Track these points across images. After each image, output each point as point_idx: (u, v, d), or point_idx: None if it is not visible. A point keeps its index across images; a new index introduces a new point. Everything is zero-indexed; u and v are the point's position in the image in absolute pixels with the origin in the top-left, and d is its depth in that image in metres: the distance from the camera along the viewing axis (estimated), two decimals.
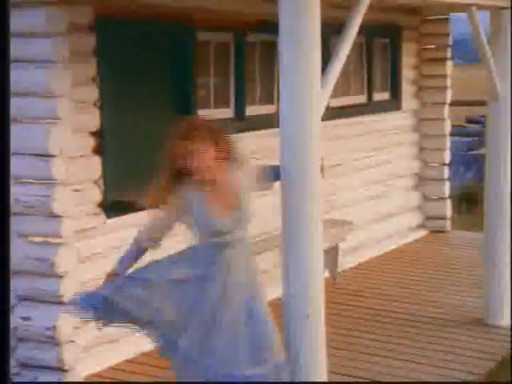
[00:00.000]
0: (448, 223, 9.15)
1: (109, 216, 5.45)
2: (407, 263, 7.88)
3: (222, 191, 3.91)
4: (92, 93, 5.30)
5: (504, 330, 5.98)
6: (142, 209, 5.63)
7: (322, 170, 4.02)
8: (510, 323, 6.04)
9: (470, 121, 18.88)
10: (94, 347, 5.34)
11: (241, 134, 6.39)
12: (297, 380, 4.02)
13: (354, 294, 6.82)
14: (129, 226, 5.58)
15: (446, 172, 9.14)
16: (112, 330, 5.42)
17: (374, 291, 6.90)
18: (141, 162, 5.70)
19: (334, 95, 7.23)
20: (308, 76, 3.88)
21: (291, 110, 3.93)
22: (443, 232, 9.08)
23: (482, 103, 16.88)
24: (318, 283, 4.01)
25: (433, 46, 8.94)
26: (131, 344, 5.58)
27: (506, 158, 6.06)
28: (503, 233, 6.10)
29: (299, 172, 3.97)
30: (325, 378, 4.15)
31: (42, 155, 4.82)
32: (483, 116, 16.14)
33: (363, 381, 5.12)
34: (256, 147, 6.63)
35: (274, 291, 6.59)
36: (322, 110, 4.03)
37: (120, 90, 5.52)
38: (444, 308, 6.51)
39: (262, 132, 6.71)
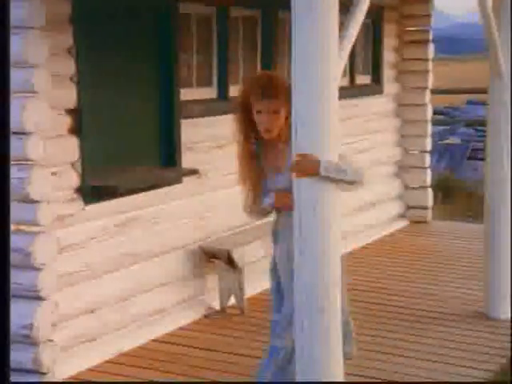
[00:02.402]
0: (429, 213, 8.83)
1: (87, 202, 4.95)
2: (394, 255, 7.52)
3: (280, 156, 3.76)
4: (68, 66, 4.79)
5: (509, 323, 5.64)
6: (123, 194, 5.20)
7: None
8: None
9: (434, 112, 18.69)
10: (72, 347, 4.85)
11: (224, 116, 5.97)
12: (310, 381, 3.58)
13: (348, 287, 6.41)
14: (110, 214, 5.13)
15: (428, 160, 8.82)
16: (89, 327, 4.98)
17: (369, 284, 6.51)
18: (122, 143, 5.24)
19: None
20: (325, 40, 3.41)
21: (305, 79, 3.45)
22: (424, 222, 8.75)
23: (456, 92, 16.78)
24: (335, 272, 3.56)
25: (414, 28, 8.61)
26: (110, 343, 5.12)
27: (507, 141, 5.70)
28: (504, 224, 5.75)
29: (313, 147, 3.48)
30: (341, 379, 3.72)
31: (16, 133, 4.26)
32: (448, 107, 16.09)
33: (368, 380, 4.73)
34: None
35: (262, 284, 6.23)
36: (339, 78, 3.59)
37: (99, 64, 5.03)
38: (443, 301, 6.15)
39: None
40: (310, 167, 3.41)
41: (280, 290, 3.91)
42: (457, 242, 8.00)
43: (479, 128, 14.51)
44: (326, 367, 3.60)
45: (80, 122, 4.86)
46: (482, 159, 12.81)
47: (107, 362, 5.04)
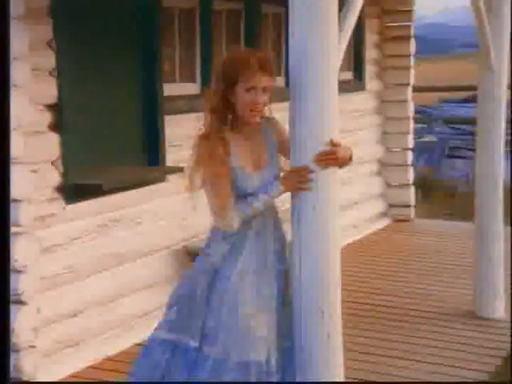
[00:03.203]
0: (412, 211, 8.73)
1: (69, 201, 4.75)
2: (379, 254, 7.40)
3: (262, 149, 3.33)
4: (48, 59, 4.59)
5: (500, 323, 5.55)
6: (106, 193, 5.01)
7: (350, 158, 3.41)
8: (504, 316, 5.63)
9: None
10: (54, 352, 4.65)
11: None
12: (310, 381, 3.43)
13: None
14: (92, 213, 4.94)
15: (410, 157, 8.72)
16: (73, 332, 4.79)
17: (355, 284, 6.37)
18: (104, 140, 5.05)
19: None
20: (325, 32, 3.26)
21: (303, 71, 3.30)
22: (407, 220, 8.65)
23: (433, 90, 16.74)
24: (335, 272, 3.41)
25: (395, 24, 8.50)
26: (94, 348, 4.94)
27: (499, 136, 5.59)
28: (495, 221, 5.64)
29: (313, 145, 3.33)
30: (342, 380, 3.56)
31: None
32: (423, 106, 16.03)
33: (357, 381, 4.58)
34: None
35: None
36: (338, 69, 3.44)
37: (79, 58, 4.84)
38: (431, 300, 6.04)
39: None
40: (345, 156, 3.27)
41: None
42: (441, 240, 7.91)
43: (455, 126, 14.50)
44: (325, 369, 3.45)
45: (60, 118, 4.67)
46: (461, 157, 12.83)
47: (91, 367, 4.87)
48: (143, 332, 5.22)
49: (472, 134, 14.22)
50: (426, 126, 13.50)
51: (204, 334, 3.29)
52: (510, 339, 5.20)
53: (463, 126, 14.49)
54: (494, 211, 5.64)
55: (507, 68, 5.58)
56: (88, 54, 4.90)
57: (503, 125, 5.60)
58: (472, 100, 19.44)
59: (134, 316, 5.25)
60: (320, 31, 3.24)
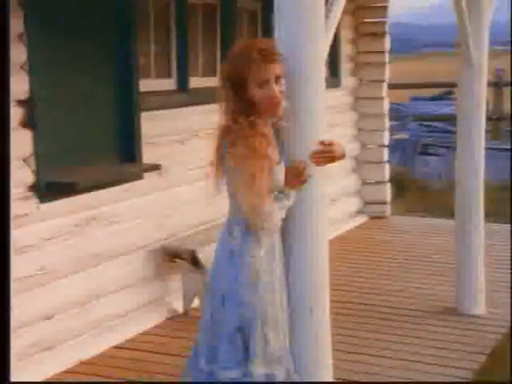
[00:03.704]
0: (388, 208, 8.67)
1: (42, 200, 4.60)
2: (357, 252, 7.33)
3: (277, 143, 3.13)
4: (19, 53, 4.43)
5: (482, 319, 5.50)
6: (81, 191, 4.86)
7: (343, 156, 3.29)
8: (485, 312, 5.58)
9: None
10: (28, 356, 4.50)
11: (185, 109, 5.71)
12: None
13: None
14: (67, 212, 4.78)
15: (386, 154, 8.66)
16: (47, 334, 4.64)
17: (333, 282, 6.23)
18: (79, 137, 4.91)
19: None
20: (312, 21, 3.15)
21: (290, 63, 3.17)
22: (383, 218, 8.59)
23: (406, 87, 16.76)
24: (324, 271, 3.32)
25: (370, 20, 8.43)
26: (69, 351, 4.79)
27: (479, 133, 5.53)
28: (475, 218, 5.58)
29: (305, 140, 3.21)
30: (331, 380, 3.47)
31: None
32: (394, 103, 16.02)
33: (340, 381, 4.49)
34: (200, 123, 5.91)
35: None
36: (324, 62, 3.34)
37: (52, 52, 4.68)
38: (412, 297, 5.97)
39: (207, 107, 5.98)
40: (341, 153, 3.16)
41: None
42: (418, 237, 7.87)
43: (426, 123, 14.51)
44: (314, 368, 3.36)
45: (32, 115, 4.51)
46: (433, 154, 12.83)
47: (66, 371, 4.71)
48: (121, 334, 5.12)
49: (444, 131, 14.30)
50: (397, 123, 13.48)
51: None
52: (494, 336, 5.16)
53: (434, 124, 14.52)
54: (474, 208, 5.57)
55: (487, 63, 5.53)
56: (61, 49, 4.75)
57: (483, 121, 5.54)
58: (440, 98, 19.59)
59: (110, 318, 5.10)
60: (307, 23, 3.13)
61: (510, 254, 6.86)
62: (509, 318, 5.48)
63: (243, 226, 3.06)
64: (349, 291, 6.12)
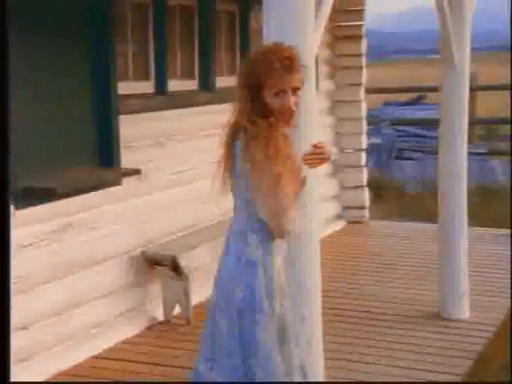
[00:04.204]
0: (366, 213, 8.61)
1: (18, 206, 4.44)
2: (337, 257, 7.24)
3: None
4: None
5: (465, 323, 5.45)
6: (58, 197, 4.72)
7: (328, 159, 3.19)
8: (468, 316, 5.53)
9: None
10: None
11: (164, 112, 5.60)
12: None
13: None
14: (43, 219, 4.64)
15: (363, 158, 8.61)
16: (22, 345, 4.49)
17: None
18: (55, 141, 4.76)
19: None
20: (301, 15, 3.07)
21: None
22: (362, 222, 8.53)
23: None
24: (315, 276, 3.23)
25: (346, 23, 8.38)
26: (46, 362, 4.65)
27: (462, 136, 5.48)
28: (459, 221, 5.53)
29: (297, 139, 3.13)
30: None
31: None
32: (369, 108, 16.03)
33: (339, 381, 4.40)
34: (180, 127, 5.81)
35: (208, 291, 5.82)
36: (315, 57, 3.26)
37: (27, 53, 4.54)
38: (393, 302, 5.90)
39: (186, 110, 5.88)
40: (329, 153, 3.06)
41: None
42: (397, 241, 7.82)
43: (400, 128, 14.50)
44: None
45: (7, 117, 4.35)
46: (408, 159, 12.83)
47: (44, 383, 4.56)
48: (100, 343, 4.99)
49: (417, 135, 14.32)
50: (371, 128, 13.45)
51: None
52: (478, 340, 5.11)
53: (408, 128, 14.52)
54: (457, 211, 5.52)
55: (469, 65, 5.49)
56: (37, 50, 4.61)
57: (466, 124, 5.50)
58: (413, 103, 19.63)
59: (89, 327, 4.96)
60: (296, 18, 3.06)
61: (492, 258, 6.86)
62: (493, 322, 5.45)
63: (261, 233, 2.92)
64: (331, 297, 6.02)
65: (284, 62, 2.83)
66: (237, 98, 2.93)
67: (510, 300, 5.88)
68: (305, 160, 3.02)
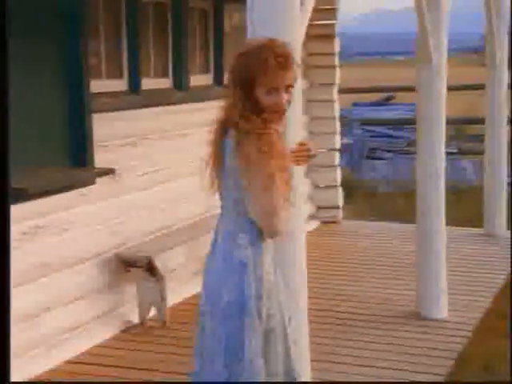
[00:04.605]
0: (340, 213, 8.56)
1: None
2: (313, 257, 7.08)
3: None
4: None
5: (445, 323, 5.41)
6: (30, 198, 4.59)
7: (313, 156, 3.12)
8: (447, 316, 5.50)
9: None
10: None
11: (137, 111, 5.49)
12: None
13: None
14: (14, 220, 4.44)
15: (337, 158, 8.56)
16: None
17: None
18: (27, 140, 4.63)
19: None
20: (287, 6, 3.00)
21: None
22: (335, 222, 8.48)
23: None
24: (302, 277, 3.16)
25: (319, 22, 8.31)
26: (17, 368, 4.48)
27: (440, 135, 5.44)
28: (437, 219, 5.49)
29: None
30: None
31: None
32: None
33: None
34: (154, 126, 5.71)
35: (184, 292, 5.75)
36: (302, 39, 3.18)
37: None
38: (371, 302, 5.85)
39: (160, 109, 5.78)
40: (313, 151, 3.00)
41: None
42: (372, 241, 7.77)
43: (370, 128, 14.53)
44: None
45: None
46: (380, 158, 12.84)
47: None
48: (74, 348, 4.86)
49: (387, 135, 14.35)
50: (343, 128, 13.45)
51: None
52: (459, 340, 5.08)
53: (377, 128, 14.55)
54: (435, 210, 5.49)
55: (446, 64, 5.46)
56: (9, 49, 4.46)
57: (444, 122, 5.47)
58: (382, 103, 19.71)
59: (62, 331, 4.83)
60: (283, 13, 2.99)
61: (467, 258, 6.85)
62: (472, 322, 5.43)
63: (251, 233, 2.83)
64: (308, 297, 5.96)
65: (278, 59, 2.74)
66: (227, 93, 2.83)
67: (488, 299, 5.88)
68: (292, 157, 2.95)
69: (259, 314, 2.83)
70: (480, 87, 12.31)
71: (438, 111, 5.41)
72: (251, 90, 2.78)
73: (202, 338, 2.92)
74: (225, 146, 2.81)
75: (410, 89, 16.50)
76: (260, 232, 2.82)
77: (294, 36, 3.00)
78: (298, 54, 3.07)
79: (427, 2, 5.19)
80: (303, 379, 3.14)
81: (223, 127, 2.84)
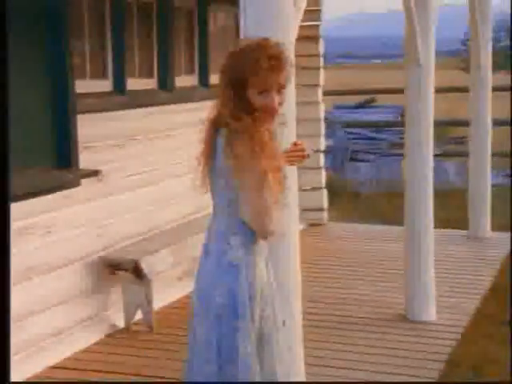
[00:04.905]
0: (325, 215, 8.51)
1: None
2: (300, 260, 7.11)
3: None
4: None
5: (433, 325, 5.37)
6: (12, 200, 4.49)
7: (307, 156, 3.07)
8: (435, 319, 5.46)
9: None
10: None
11: (122, 112, 5.40)
12: None
13: None
14: None
15: (322, 160, 8.52)
16: None
17: None
18: (12, 139, 4.50)
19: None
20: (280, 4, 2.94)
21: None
22: (321, 225, 8.43)
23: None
24: (296, 281, 3.10)
25: (303, 23, 8.24)
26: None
27: (428, 137, 5.40)
28: (425, 224, 5.45)
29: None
30: None
31: None
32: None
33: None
34: (139, 126, 5.63)
35: (170, 295, 5.67)
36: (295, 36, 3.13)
37: None
38: (359, 305, 5.79)
39: (145, 110, 5.70)
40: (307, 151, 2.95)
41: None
42: (358, 243, 7.73)
43: (352, 131, 14.50)
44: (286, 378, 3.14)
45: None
46: (362, 160, 12.81)
47: None
48: (58, 353, 4.76)
49: (369, 138, 14.33)
50: (326, 130, 13.42)
51: None
52: (448, 342, 5.04)
53: (360, 131, 14.52)
54: (424, 212, 5.45)
55: (434, 65, 5.43)
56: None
57: (432, 124, 5.43)
58: (363, 106, 19.72)
59: (47, 335, 4.73)
60: (277, 11, 2.93)
61: (453, 259, 6.82)
62: (460, 324, 5.39)
63: (244, 234, 2.76)
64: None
65: (271, 60, 2.70)
66: (218, 92, 2.78)
67: (475, 301, 5.86)
68: (286, 157, 2.90)
69: (252, 316, 2.78)
70: (460, 90, 12.40)
71: (426, 112, 5.37)
72: (243, 90, 2.74)
73: (193, 341, 2.85)
74: (216, 146, 2.77)
75: (391, 91, 16.57)
76: (253, 233, 2.77)
77: (287, 36, 2.95)
78: (291, 53, 3.01)
79: (416, 2, 5.16)
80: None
81: (215, 126, 2.80)
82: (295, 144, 2.97)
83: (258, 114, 2.72)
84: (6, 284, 2.71)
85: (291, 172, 3.02)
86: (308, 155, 3.01)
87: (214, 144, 2.76)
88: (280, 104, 2.77)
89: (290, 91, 2.94)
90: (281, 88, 2.76)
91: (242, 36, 3.02)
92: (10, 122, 4.26)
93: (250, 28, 2.93)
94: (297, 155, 2.95)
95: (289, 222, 3.01)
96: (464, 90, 12.45)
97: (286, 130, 3.00)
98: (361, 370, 4.61)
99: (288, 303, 3.04)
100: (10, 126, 2.71)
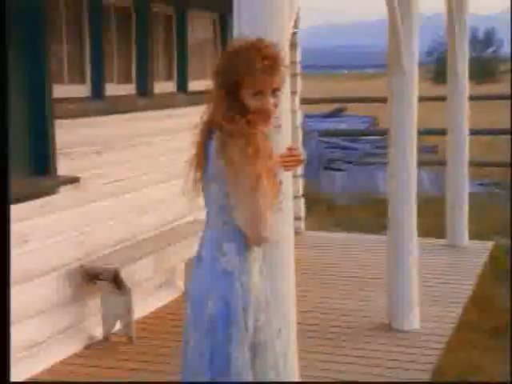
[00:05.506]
0: (302, 224, 8.44)
1: None
2: None
3: None
4: None
5: (418, 334, 5.31)
6: None
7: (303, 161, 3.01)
8: (419, 327, 5.40)
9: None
10: None
11: (100, 118, 5.29)
12: None
13: None
14: None
15: (300, 168, 8.43)
16: None
17: None
18: None
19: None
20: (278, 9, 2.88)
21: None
22: (298, 233, 8.33)
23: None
24: (291, 288, 3.02)
25: None
26: None
27: (412, 146, 5.35)
28: (409, 230, 5.40)
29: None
30: None
31: None
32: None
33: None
34: (118, 133, 5.51)
35: (150, 305, 5.55)
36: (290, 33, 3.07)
37: None
38: (342, 315, 5.72)
39: (124, 116, 5.58)
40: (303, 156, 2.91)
41: None
42: (337, 252, 7.67)
43: (325, 139, 14.48)
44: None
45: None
46: (337, 170, 12.78)
47: None
48: (35, 365, 4.62)
49: (342, 147, 14.32)
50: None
51: None
52: (433, 352, 4.99)
53: (333, 140, 14.52)
54: (407, 221, 5.40)
55: (417, 71, 5.39)
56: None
57: (415, 132, 5.39)
58: (335, 115, 19.75)
59: (23, 347, 4.59)
60: (271, 12, 2.85)
61: (433, 268, 6.79)
62: (444, 333, 5.34)
63: (238, 241, 2.67)
64: None
65: (266, 61, 2.63)
66: (211, 94, 2.69)
67: (458, 310, 5.82)
68: (281, 162, 2.82)
69: (246, 325, 2.68)
70: (431, 99, 12.45)
71: (409, 120, 5.33)
72: (237, 92, 2.66)
73: (186, 351, 2.75)
74: (209, 149, 2.68)
75: (361, 100, 16.57)
76: (247, 239, 2.68)
77: (282, 36, 2.87)
78: (286, 54, 2.93)
79: (400, 11, 5.12)
80: None
81: (208, 128, 2.71)
82: (290, 149, 2.90)
83: (253, 116, 2.64)
84: (6, 285, 2.67)
85: (286, 177, 2.94)
86: (303, 160, 2.94)
87: (207, 147, 2.67)
88: (275, 106, 2.69)
89: (285, 92, 2.86)
90: (276, 90, 2.69)
91: (234, 36, 2.94)
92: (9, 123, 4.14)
93: (243, 28, 2.85)
94: (291, 160, 2.88)
95: (284, 227, 2.92)
96: (435, 99, 12.55)
97: (281, 135, 2.91)
98: (342, 382, 4.53)
99: (282, 310, 2.95)
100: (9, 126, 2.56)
